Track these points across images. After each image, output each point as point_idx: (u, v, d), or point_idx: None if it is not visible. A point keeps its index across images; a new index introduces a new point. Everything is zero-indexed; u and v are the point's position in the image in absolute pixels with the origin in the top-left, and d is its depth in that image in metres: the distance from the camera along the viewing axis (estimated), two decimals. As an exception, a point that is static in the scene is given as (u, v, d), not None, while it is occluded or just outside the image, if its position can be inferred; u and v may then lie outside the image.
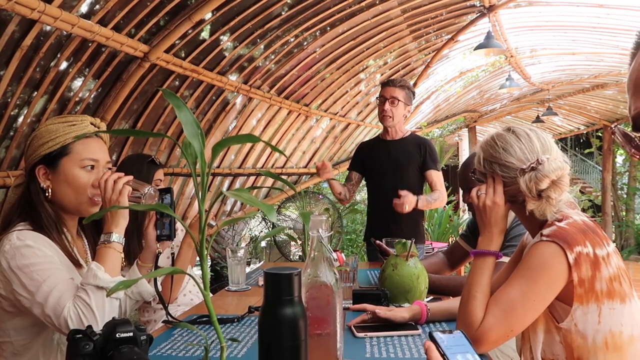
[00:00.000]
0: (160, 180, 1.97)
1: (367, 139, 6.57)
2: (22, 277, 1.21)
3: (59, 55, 2.77)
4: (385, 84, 2.84)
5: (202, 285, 0.80)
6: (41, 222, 1.29)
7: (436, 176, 2.79)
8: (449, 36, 5.58)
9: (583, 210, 1.48)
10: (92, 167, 1.35)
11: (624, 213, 10.08)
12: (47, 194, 1.32)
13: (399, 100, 2.77)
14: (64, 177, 1.32)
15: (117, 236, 1.29)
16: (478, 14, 5.17)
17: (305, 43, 4.46)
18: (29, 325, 1.28)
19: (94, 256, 1.43)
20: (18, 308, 1.25)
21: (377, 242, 2.09)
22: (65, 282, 1.23)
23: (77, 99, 3.07)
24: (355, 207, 6.78)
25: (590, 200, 11.10)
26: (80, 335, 0.99)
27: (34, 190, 1.32)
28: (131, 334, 0.99)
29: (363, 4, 4.27)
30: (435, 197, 2.74)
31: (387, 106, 2.77)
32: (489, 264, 1.28)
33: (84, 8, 2.69)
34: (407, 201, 2.52)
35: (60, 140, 1.31)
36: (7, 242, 1.24)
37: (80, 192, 1.33)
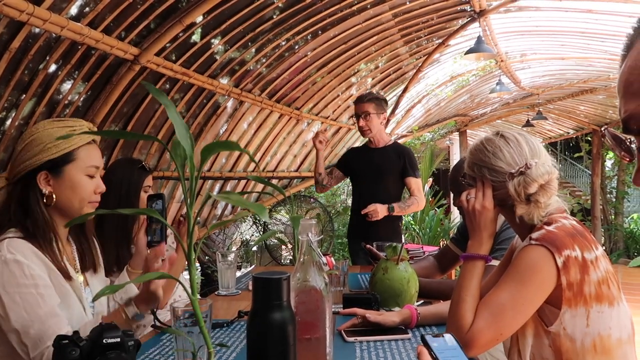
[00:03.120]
0: (149, 187, 1.96)
1: (357, 143, 6.62)
2: (3, 295, 1.16)
3: (47, 58, 2.74)
4: (355, 102, 3.08)
5: (189, 290, 0.80)
6: (34, 229, 1.26)
7: (414, 183, 3.02)
8: (440, 40, 5.60)
9: (572, 213, 1.49)
10: (95, 174, 1.35)
11: (613, 217, 10.17)
12: (45, 200, 1.30)
13: (370, 113, 2.99)
14: (69, 183, 1.30)
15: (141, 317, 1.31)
16: (468, 19, 5.20)
17: (296, 47, 4.46)
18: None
19: (81, 261, 1.41)
20: None
21: (368, 246, 2.10)
22: (50, 314, 1.18)
23: (66, 101, 3.05)
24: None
25: (579, 204, 11.19)
26: (67, 341, 0.98)
27: (33, 197, 1.28)
28: (118, 339, 0.98)
29: (354, 8, 4.28)
30: (409, 203, 2.97)
31: (362, 122, 3.00)
32: (478, 267, 1.29)
33: (73, 10, 2.67)
34: (374, 210, 2.82)
35: (64, 146, 1.28)
36: None
37: (83, 199, 1.33)
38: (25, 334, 1.15)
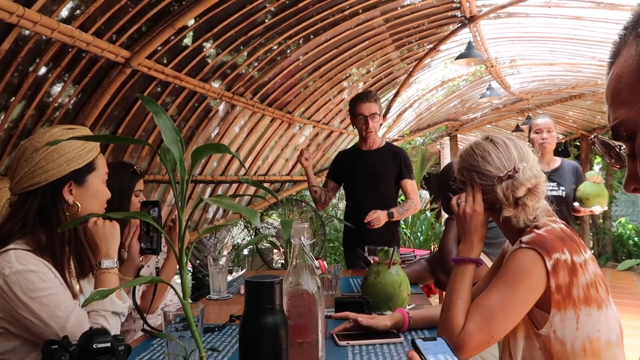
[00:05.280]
0: (140, 191, 1.94)
1: (349, 147, 6.61)
2: (30, 302, 1.16)
3: (38, 60, 2.72)
4: (361, 100, 2.86)
5: (181, 294, 0.79)
6: (50, 241, 1.23)
7: (410, 185, 2.89)
8: (431, 46, 5.64)
9: (561, 217, 1.51)
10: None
11: (601, 221, 10.26)
12: (67, 210, 1.28)
13: (378, 114, 2.85)
14: (92, 192, 1.31)
15: (117, 261, 1.33)
16: (459, 25, 5.25)
17: (288, 51, 4.47)
18: (17, 347, 1.22)
19: (79, 268, 1.39)
20: (7, 330, 1.20)
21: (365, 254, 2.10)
22: (78, 306, 1.22)
23: (56, 104, 3.02)
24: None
25: (568, 208, 11.25)
26: (56, 346, 0.97)
27: (59, 206, 1.26)
28: (109, 344, 0.97)
29: (346, 12, 4.30)
30: (407, 207, 2.85)
31: (371, 124, 2.83)
32: (469, 271, 1.30)
33: (64, 13, 2.65)
34: (376, 217, 2.64)
35: (87, 155, 1.29)
36: (7, 264, 1.17)
37: (102, 205, 1.35)
38: (64, 331, 1.16)
